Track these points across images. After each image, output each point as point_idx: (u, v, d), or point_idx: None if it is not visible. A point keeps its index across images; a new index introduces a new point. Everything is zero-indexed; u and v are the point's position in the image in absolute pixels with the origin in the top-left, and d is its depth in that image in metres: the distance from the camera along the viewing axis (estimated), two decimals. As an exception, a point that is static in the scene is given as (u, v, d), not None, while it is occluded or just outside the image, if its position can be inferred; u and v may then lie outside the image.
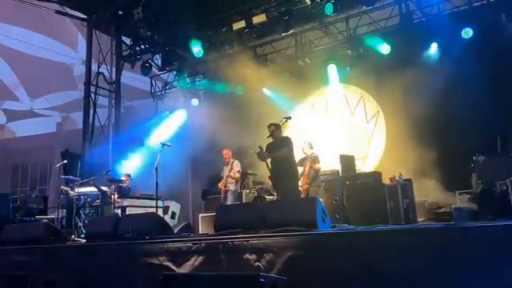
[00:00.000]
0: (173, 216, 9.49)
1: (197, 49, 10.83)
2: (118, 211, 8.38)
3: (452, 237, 3.25)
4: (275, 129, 6.93)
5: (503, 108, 8.13)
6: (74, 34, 16.34)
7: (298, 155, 7.52)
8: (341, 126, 10.83)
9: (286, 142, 6.88)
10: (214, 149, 10.09)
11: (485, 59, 8.59)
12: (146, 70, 11.89)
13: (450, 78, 8.64)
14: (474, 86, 8.36)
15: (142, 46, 12.36)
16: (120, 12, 11.41)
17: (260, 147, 6.81)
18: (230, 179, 8.61)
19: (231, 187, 8.64)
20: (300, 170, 7.56)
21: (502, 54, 8.41)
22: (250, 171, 9.24)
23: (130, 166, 10.64)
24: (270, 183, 7.62)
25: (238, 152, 9.21)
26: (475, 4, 9.13)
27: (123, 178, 9.10)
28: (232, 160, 8.87)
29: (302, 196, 7.28)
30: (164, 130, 11.92)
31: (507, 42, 8.37)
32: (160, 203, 8.01)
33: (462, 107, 8.39)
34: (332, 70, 10.64)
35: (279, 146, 6.82)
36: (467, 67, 8.56)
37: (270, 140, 6.97)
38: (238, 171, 8.72)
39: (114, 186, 8.63)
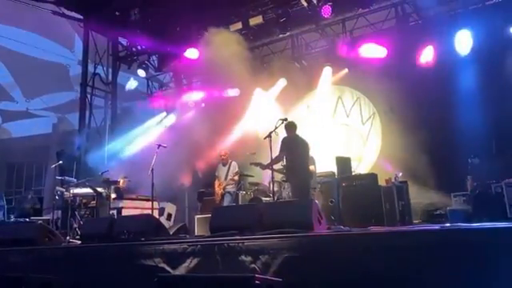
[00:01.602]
0: (168, 217, 9.48)
1: (193, 50, 10.83)
2: (114, 212, 8.36)
3: (447, 239, 3.26)
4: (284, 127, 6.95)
5: (498, 110, 8.16)
6: (70, 35, 16.28)
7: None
8: (336, 127, 10.85)
9: (280, 144, 6.91)
10: (209, 150, 10.09)
11: (481, 62, 8.62)
12: (142, 70, 11.91)
13: (445, 81, 8.68)
14: (470, 89, 8.40)
15: (139, 47, 12.35)
16: (117, 13, 11.39)
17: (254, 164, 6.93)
18: (230, 181, 8.62)
19: (229, 189, 8.65)
20: None
21: (498, 57, 8.44)
22: (246, 172, 9.23)
23: (126, 166, 10.59)
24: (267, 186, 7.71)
25: (234, 154, 9.22)
26: (471, 7, 9.18)
27: (120, 180, 9.07)
28: (230, 161, 8.87)
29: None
30: (160, 131, 11.90)
31: (503, 45, 8.42)
32: (156, 204, 8.00)
33: (458, 109, 8.41)
34: (328, 72, 10.68)
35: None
36: (463, 70, 8.60)
37: (267, 141, 6.97)
38: (237, 172, 8.72)
39: (111, 187, 8.61)
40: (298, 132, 7.18)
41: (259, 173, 8.86)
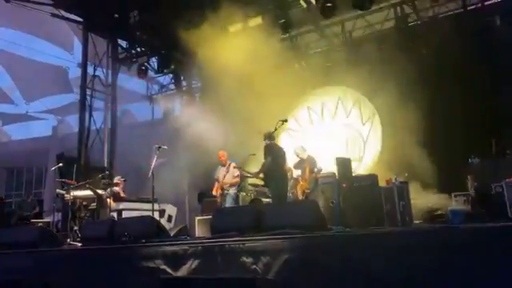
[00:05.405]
0: (169, 219, 9.46)
1: (193, 52, 10.82)
2: (114, 214, 8.34)
3: (448, 239, 3.26)
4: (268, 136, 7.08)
5: (498, 110, 8.17)
6: (69, 37, 16.31)
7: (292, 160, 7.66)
8: (336, 128, 10.85)
9: (264, 151, 7.08)
10: (209, 151, 10.07)
11: (480, 62, 8.63)
12: (142, 72, 11.91)
13: (445, 81, 8.68)
14: (469, 89, 8.40)
15: (138, 49, 12.37)
16: (116, 15, 11.39)
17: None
18: (229, 182, 8.58)
19: (230, 190, 8.61)
20: (298, 172, 7.61)
21: (496, 57, 8.46)
22: (247, 174, 9.21)
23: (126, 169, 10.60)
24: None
25: (233, 154, 9.20)
26: (470, 7, 9.20)
27: (117, 182, 9.06)
28: (229, 162, 8.83)
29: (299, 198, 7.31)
30: (159, 133, 11.89)
31: (502, 45, 8.42)
32: (156, 206, 7.98)
33: (458, 110, 8.42)
34: (328, 72, 10.68)
35: None
36: (462, 70, 8.60)
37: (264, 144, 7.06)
38: (237, 175, 8.67)
39: (109, 190, 8.59)
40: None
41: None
